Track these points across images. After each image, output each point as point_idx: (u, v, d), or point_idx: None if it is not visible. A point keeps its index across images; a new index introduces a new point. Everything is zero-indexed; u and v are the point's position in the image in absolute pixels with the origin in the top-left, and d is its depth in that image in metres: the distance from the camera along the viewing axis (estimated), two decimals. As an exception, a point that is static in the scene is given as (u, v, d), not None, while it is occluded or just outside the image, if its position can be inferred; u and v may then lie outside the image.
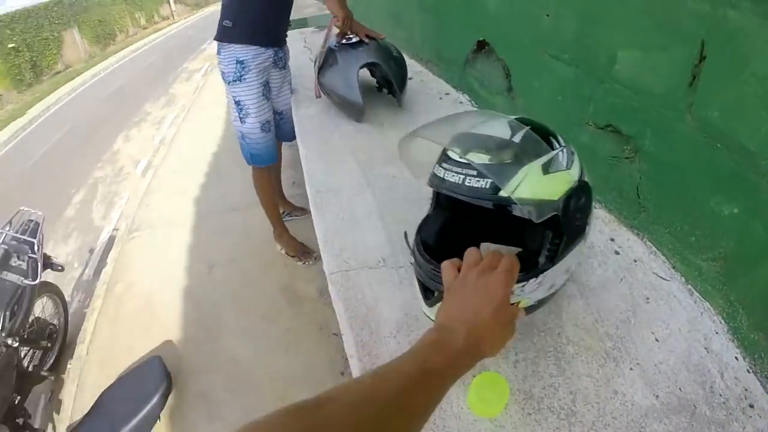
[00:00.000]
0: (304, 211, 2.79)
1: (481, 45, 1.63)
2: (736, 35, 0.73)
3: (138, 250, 3.29)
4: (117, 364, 2.31)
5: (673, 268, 0.96)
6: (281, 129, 2.08)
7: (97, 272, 3.51)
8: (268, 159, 1.93)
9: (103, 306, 2.87)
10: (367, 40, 1.62)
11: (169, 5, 26.82)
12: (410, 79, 1.77)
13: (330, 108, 1.76)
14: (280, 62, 1.88)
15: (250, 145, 1.85)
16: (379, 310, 0.91)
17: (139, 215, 3.72)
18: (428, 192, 0.88)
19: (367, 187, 1.29)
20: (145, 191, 4.18)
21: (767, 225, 0.73)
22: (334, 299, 0.97)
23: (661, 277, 0.94)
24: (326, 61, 1.66)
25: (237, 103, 1.77)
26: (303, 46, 3.37)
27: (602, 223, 1.11)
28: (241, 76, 1.70)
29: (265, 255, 2.70)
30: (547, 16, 1.21)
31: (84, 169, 5.83)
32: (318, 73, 1.70)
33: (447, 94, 1.88)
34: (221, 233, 3.13)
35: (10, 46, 13.28)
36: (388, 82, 1.65)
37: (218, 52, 1.72)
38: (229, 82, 1.73)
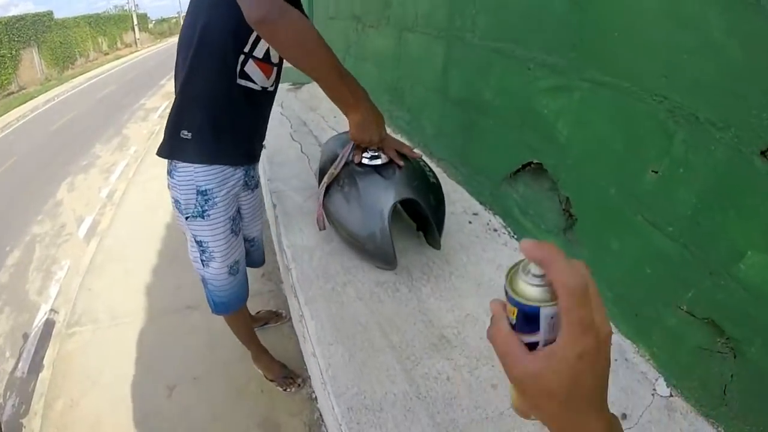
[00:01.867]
0: (279, 317, 2.37)
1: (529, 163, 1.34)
2: None
3: (79, 353, 2.74)
4: None
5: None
6: (250, 256, 1.68)
7: (33, 369, 2.98)
8: (237, 303, 1.53)
9: (43, 430, 2.33)
10: (400, 163, 1.25)
11: (134, 33, 26.19)
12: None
13: (332, 237, 1.40)
14: (252, 182, 1.45)
15: (214, 293, 1.45)
16: None
17: (79, 302, 3.17)
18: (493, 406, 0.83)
19: (417, 399, 0.93)
20: (87, 268, 3.62)
21: None
22: None
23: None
24: (340, 184, 1.29)
25: (198, 243, 1.34)
26: (279, 113, 2.98)
27: (680, 416, 0.95)
28: (203, 211, 1.27)
29: (235, 375, 2.24)
30: (655, 173, 0.93)
31: (22, 220, 5.24)
32: (325, 195, 1.33)
33: (475, 214, 1.57)
34: (180, 339, 2.61)
35: (-36, 60, 12.78)
36: (423, 218, 1.30)
37: (170, 173, 1.26)
38: (186, 218, 1.29)
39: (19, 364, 3.07)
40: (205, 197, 1.24)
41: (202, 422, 2.10)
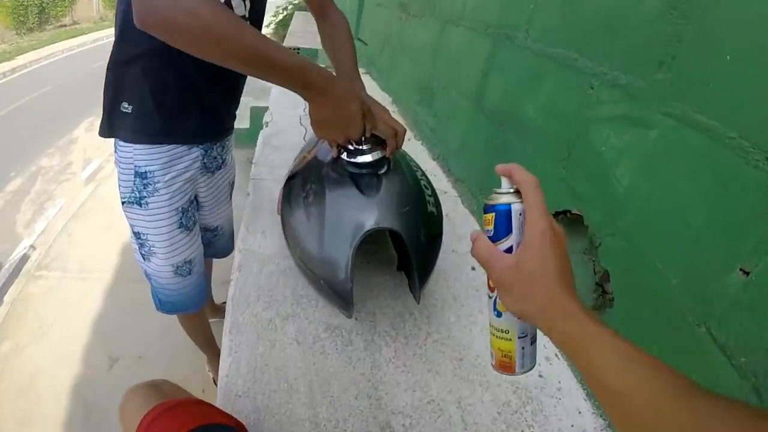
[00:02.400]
0: None
1: (562, 213, 1.05)
2: None
3: (39, 299, 2.61)
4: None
5: None
6: (213, 247, 1.43)
7: (-5, 302, 2.84)
8: (188, 306, 1.29)
9: (-17, 366, 2.21)
10: (387, 153, 0.94)
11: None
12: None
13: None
14: (213, 163, 1.17)
15: (158, 290, 1.21)
16: None
17: (56, 245, 3.04)
18: None
19: None
20: (75, 213, 3.49)
21: None
22: None
23: None
24: (305, 188, 1.00)
25: (136, 234, 1.10)
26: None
27: None
28: (141, 198, 1.02)
29: (181, 365, 2.02)
30: (745, 273, 0.64)
31: (34, 150, 5.20)
32: (287, 199, 1.06)
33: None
34: (137, 312, 2.39)
35: (23, -15, 13.20)
36: (406, 260, 1.00)
37: (114, 148, 1.03)
38: (123, 202, 1.06)
39: (-15, 294, 2.96)
40: (144, 181, 1.00)
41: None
